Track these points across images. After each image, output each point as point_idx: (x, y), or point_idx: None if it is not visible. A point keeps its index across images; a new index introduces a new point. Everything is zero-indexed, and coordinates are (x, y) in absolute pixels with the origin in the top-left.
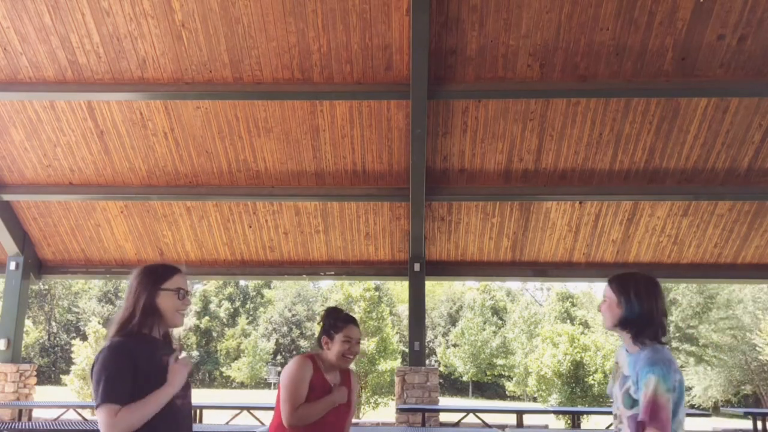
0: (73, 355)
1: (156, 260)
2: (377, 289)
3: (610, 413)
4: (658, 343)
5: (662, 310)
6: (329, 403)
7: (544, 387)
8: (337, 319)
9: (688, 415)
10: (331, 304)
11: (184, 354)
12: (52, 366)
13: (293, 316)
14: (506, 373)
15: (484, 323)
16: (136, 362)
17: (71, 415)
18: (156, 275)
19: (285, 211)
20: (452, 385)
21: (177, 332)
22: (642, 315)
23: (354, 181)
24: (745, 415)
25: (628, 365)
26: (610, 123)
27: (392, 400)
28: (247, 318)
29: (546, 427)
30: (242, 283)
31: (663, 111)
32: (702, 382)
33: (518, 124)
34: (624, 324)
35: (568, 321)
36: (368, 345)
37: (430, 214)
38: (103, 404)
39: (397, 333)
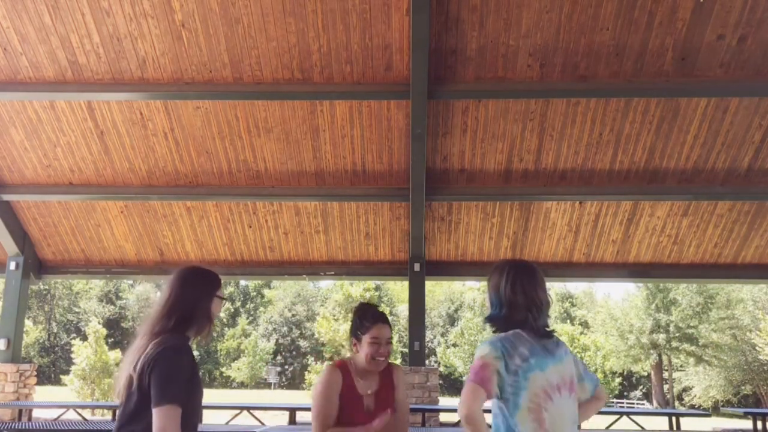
0: (73, 355)
1: (193, 263)
2: (377, 289)
3: (609, 413)
4: (530, 331)
5: (534, 300)
6: None
7: None
8: (363, 319)
9: (689, 415)
10: (331, 304)
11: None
12: (52, 366)
13: (293, 316)
14: None
15: (484, 323)
16: (191, 365)
17: (71, 415)
18: (214, 282)
19: (285, 211)
20: (452, 385)
21: None
22: (503, 311)
23: (354, 181)
24: (745, 415)
25: None
26: (610, 123)
27: None
28: (247, 318)
29: None
30: (242, 283)
31: (663, 111)
32: (702, 382)
33: (518, 124)
34: (489, 320)
35: (568, 321)
36: None
37: (430, 214)
38: (171, 405)
39: (397, 333)
